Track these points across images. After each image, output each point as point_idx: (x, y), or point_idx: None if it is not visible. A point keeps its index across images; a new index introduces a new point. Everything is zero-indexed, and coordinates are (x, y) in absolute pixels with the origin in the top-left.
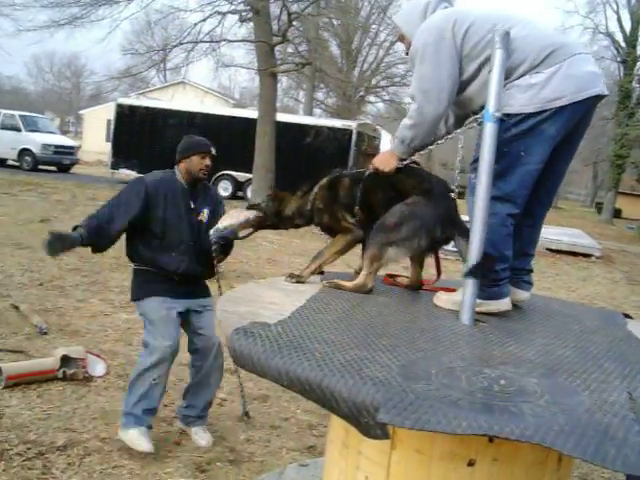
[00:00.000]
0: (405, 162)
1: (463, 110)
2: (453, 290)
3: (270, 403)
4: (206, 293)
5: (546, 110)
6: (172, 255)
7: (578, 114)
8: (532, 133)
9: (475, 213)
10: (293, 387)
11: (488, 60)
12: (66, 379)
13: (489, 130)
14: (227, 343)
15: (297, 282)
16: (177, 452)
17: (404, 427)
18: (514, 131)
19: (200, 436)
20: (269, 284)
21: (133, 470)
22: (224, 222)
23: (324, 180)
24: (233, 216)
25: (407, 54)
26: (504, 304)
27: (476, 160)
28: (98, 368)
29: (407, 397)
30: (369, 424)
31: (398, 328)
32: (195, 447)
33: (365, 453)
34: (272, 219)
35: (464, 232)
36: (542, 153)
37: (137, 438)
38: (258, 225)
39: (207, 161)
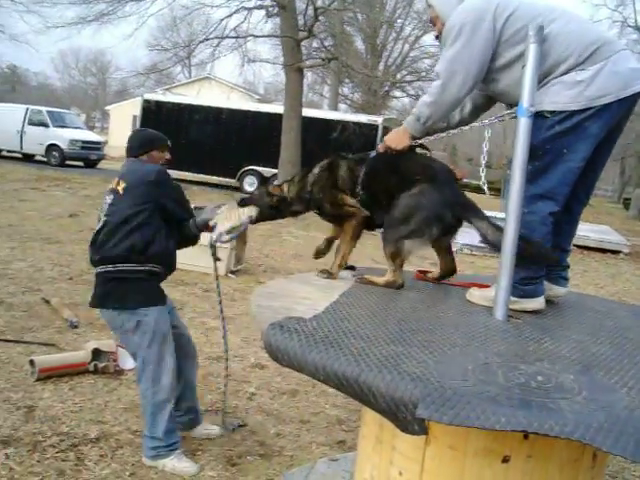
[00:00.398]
0: (417, 142)
1: (491, 100)
2: (486, 286)
3: (299, 398)
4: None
5: (591, 108)
6: (173, 248)
7: (622, 111)
8: (576, 131)
9: (509, 208)
10: (329, 382)
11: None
12: (97, 372)
13: (523, 125)
14: (262, 337)
15: (328, 278)
16: (208, 446)
17: (442, 423)
18: (558, 128)
19: (210, 428)
20: (300, 279)
21: None
22: (225, 224)
23: (324, 161)
24: (231, 217)
25: (437, 37)
26: (538, 303)
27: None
28: (129, 361)
29: (445, 393)
30: (407, 419)
31: (432, 323)
32: (225, 441)
33: (399, 449)
34: (269, 211)
35: (476, 212)
36: (585, 151)
37: (181, 464)
38: (255, 221)
39: (167, 154)
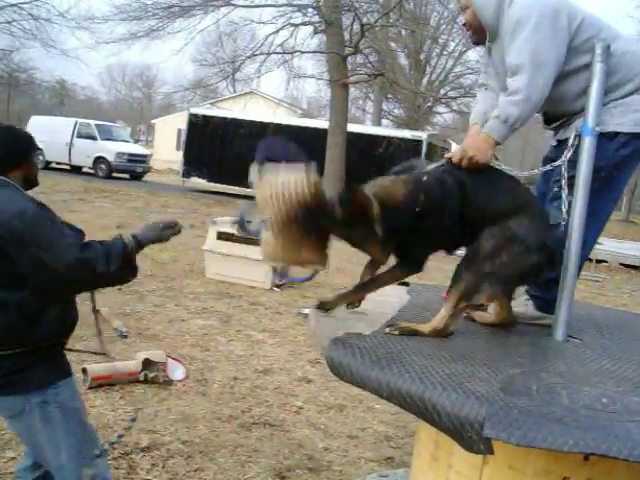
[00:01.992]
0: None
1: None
2: None
3: (346, 413)
4: None
5: None
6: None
7: None
8: (633, 156)
9: (571, 228)
10: (393, 399)
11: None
12: (147, 382)
13: (588, 145)
14: (323, 353)
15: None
16: (257, 458)
17: (510, 443)
18: (622, 152)
19: None
20: None
21: (215, 474)
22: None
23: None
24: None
25: (465, 25)
26: None
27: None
28: (178, 372)
29: (512, 413)
30: (472, 438)
31: (490, 342)
32: (274, 454)
33: (455, 467)
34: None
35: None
36: (630, 176)
37: None
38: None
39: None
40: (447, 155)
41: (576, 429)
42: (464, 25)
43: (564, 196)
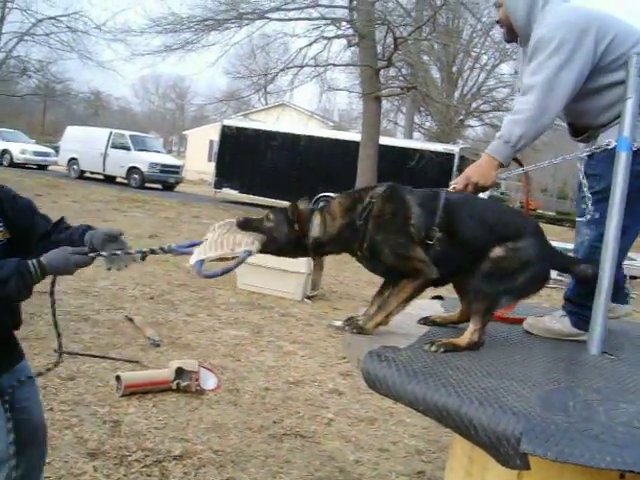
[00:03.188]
0: (504, 176)
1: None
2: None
3: (377, 426)
4: (21, 354)
5: None
6: None
7: None
8: None
9: (606, 243)
10: (429, 413)
11: (622, 82)
12: (179, 391)
13: (624, 160)
14: (359, 365)
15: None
16: (288, 469)
17: (547, 458)
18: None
19: None
20: None
21: None
22: (211, 251)
23: (379, 188)
24: (222, 244)
25: (498, 22)
26: None
27: (595, 192)
28: (210, 382)
29: (549, 428)
30: (509, 453)
31: (525, 357)
32: (305, 465)
33: None
34: (283, 246)
35: (574, 264)
36: None
37: None
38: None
39: None
40: (452, 183)
41: (614, 446)
42: (498, 22)
43: (588, 209)
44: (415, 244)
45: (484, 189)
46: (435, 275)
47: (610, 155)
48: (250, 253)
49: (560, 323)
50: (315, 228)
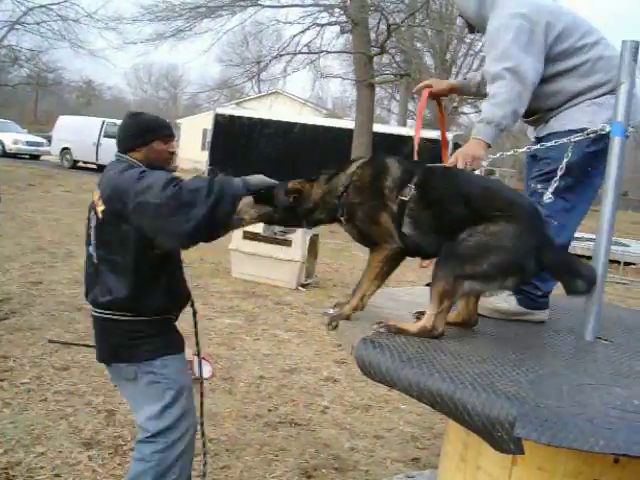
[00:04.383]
0: (488, 160)
1: None
2: None
3: (372, 413)
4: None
5: None
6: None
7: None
8: (604, 153)
9: (600, 230)
10: (423, 398)
11: (572, 69)
12: None
13: (618, 145)
14: (353, 352)
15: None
16: (283, 457)
17: (540, 443)
18: (593, 148)
19: None
20: (384, 295)
21: (242, 472)
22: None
23: (365, 159)
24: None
25: (469, 28)
26: (545, 314)
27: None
28: (204, 370)
29: (542, 413)
30: (503, 438)
31: (520, 342)
32: (300, 453)
33: (484, 468)
34: (281, 214)
35: (561, 260)
36: (604, 173)
37: None
38: (263, 220)
39: (172, 147)
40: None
41: (607, 430)
42: (460, 15)
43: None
44: (385, 211)
45: (474, 169)
46: (397, 244)
47: (558, 139)
48: (244, 220)
49: (507, 302)
50: (304, 199)
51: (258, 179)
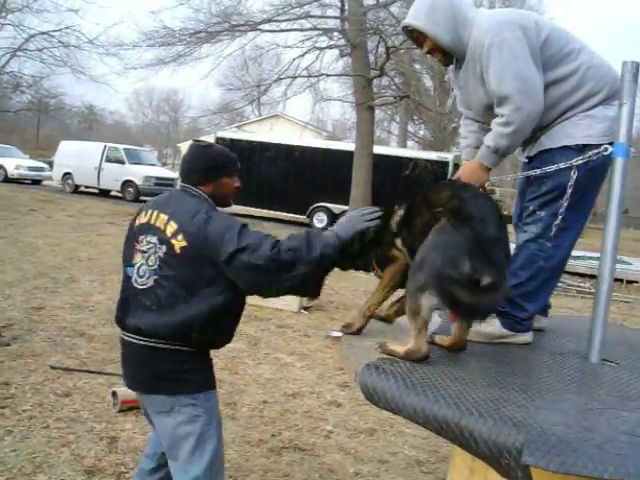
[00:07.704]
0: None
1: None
2: None
3: (377, 437)
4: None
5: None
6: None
7: None
8: (602, 167)
9: (604, 250)
10: (428, 425)
11: (562, 80)
12: None
13: (620, 165)
14: (357, 378)
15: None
16: None
17: (549, 470)
18: (592, 165)
19: None
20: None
21: None
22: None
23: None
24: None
25: (429, 53)
26: (529, 336)
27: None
28: None
29: (550, 439)
30: (510, 465)
31: (525, 366)
32: (304, 478)
33: None
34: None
35: (496, 271)
36: (600, 187)
37: None
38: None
39: (237, 181)
40: None
41: (616, 456)
42: (428, 53)
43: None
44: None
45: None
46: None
47: (551, 158)
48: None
49: (491, 325)
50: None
51: (348, 227)
